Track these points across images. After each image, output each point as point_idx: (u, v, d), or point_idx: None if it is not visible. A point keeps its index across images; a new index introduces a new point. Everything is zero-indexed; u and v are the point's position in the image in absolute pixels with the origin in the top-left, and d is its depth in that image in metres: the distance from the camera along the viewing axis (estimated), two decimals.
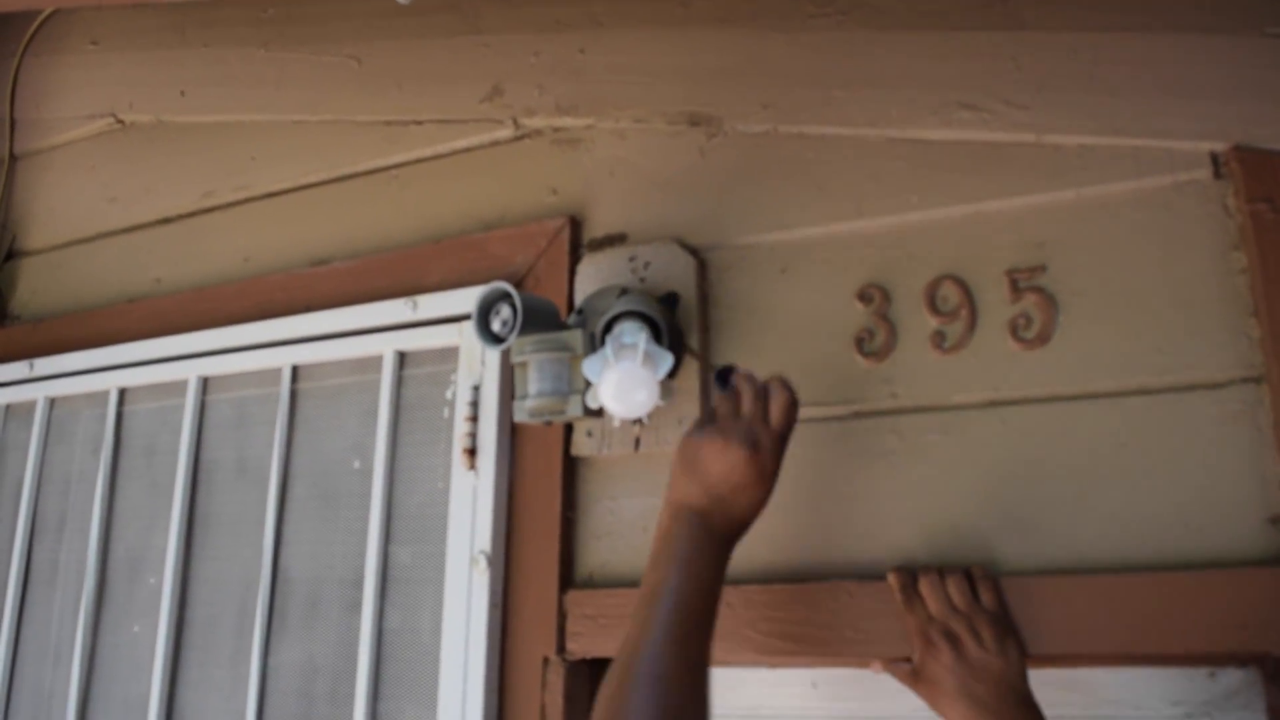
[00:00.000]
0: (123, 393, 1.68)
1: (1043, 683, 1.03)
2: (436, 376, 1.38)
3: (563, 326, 1.16)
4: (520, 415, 1.09)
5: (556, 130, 1.41)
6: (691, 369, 1.20)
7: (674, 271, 1.24)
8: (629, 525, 1.23)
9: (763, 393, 1.01)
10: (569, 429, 1.25)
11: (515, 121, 1.44)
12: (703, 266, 1.26)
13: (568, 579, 1.23)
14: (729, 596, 1.13)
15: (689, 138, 1.32)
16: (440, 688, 1.23)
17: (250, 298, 1.57)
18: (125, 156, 1.84)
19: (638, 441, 1.21)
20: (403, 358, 1.41)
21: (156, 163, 1.79)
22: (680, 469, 0.98)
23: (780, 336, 1.20)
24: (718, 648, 1.11)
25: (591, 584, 1.22)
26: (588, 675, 1.22)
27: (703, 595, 0.92)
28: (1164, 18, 1.12)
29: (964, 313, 1.12)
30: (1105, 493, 1.04)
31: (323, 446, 1.46)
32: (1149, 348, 1.05)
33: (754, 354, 1.21)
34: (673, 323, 1.19)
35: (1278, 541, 0.97)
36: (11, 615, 1.67)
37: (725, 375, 1.05)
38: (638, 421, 1.20)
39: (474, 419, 1.29)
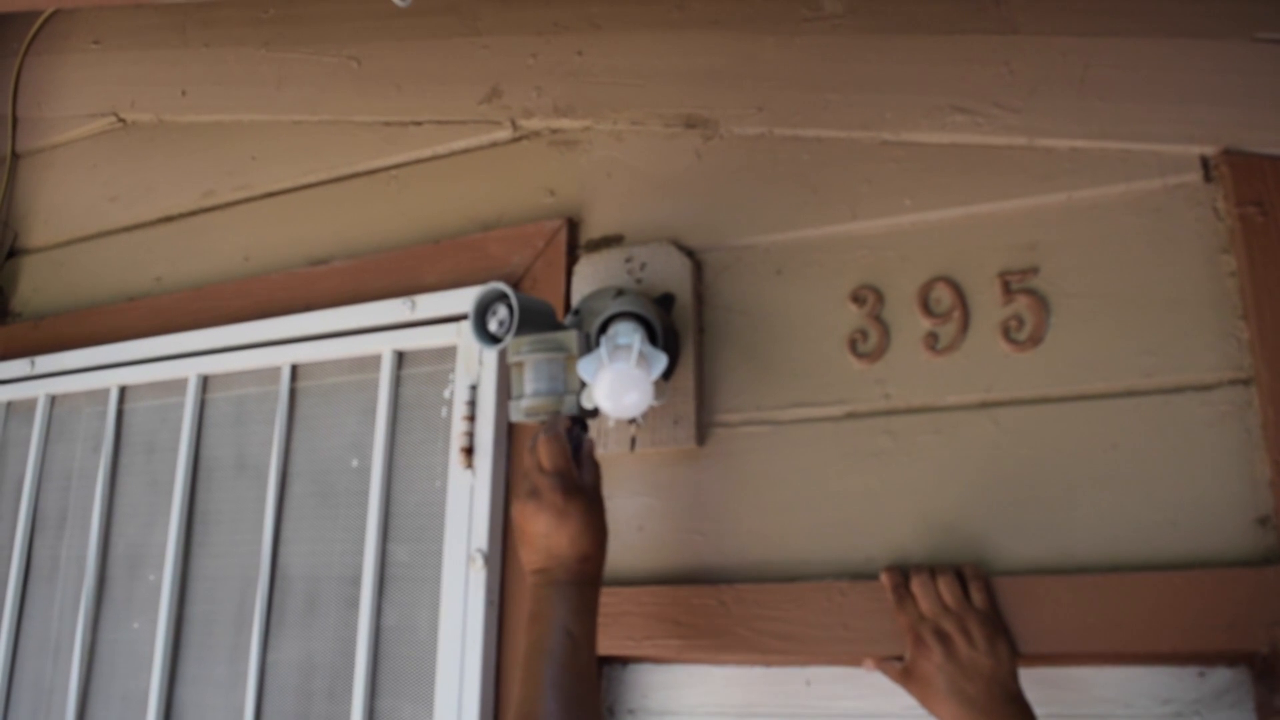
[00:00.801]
0: (123, 390, 1.69)
1: (1033, 681, 1.04)
2: (434, 376, 1.39)
3: (559, 327, 1.16)
4: (516, 415, 1.09)
5: (554, 132, 1.42)
6: (687, 369, 1.21)
7: (670, 273, 1.25)
8: (624, 524, 1.23)
9: (533, 443, 1.07)
10: None
11: (513, 123, 1.45)
12: (698, 268, 1.27)
13: None
14: (722, 595, 1.14)
15: (685, 140, 1.33)
16: (437, 685, 1.24)
17: (250, 297, 1.58)
18: (126, 155, 1.85)
19: (633, 441, 1.22)
20: (401, 357, 1.42)
21: (157, 162, 1.80)
22: (517, 541, 1.06)
23: (774, 337, 1.21)
24: (711, 645, 1.14)
25: None
26: None
27: (569, 643, 0.97)
28: (1154, 22, 1.13)
29: (956, 314, 1.13)
30: (1096, 493, 1.05)
31: (321, 445, 1.47)
32: (1139, 349, 1.06)
33: (748, 354, 1.22)
34: (668, 324, 1.20)
35: (1266, 542, 0.98)
36: (12, 611, 1.68)
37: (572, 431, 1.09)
38: (633, 421, 1.21)
39: (471, 418, 1.30)
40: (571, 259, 1.33)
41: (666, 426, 1.21)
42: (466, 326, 1.32)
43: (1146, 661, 1.06)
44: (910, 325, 1.15)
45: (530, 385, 1.09)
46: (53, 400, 1.77)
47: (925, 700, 1.00)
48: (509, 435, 1.30)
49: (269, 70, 1.69)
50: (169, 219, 1.77)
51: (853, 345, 1.17)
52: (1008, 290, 1.12)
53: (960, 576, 1.04)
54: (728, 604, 1.14)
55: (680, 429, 1.20)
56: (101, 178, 1.88)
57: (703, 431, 1.22)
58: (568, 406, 1.07)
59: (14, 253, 1.97)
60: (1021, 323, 1.11)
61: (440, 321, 1.38)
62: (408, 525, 1.35)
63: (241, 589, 1.47)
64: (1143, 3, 1.13)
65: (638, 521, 1.23)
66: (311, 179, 1.62)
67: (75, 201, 1.90)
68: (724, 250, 1.27)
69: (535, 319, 1.12)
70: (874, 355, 1.16)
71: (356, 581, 1.36)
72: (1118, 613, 0.99)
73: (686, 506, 1.21)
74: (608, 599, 1.18)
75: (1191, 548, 1.01)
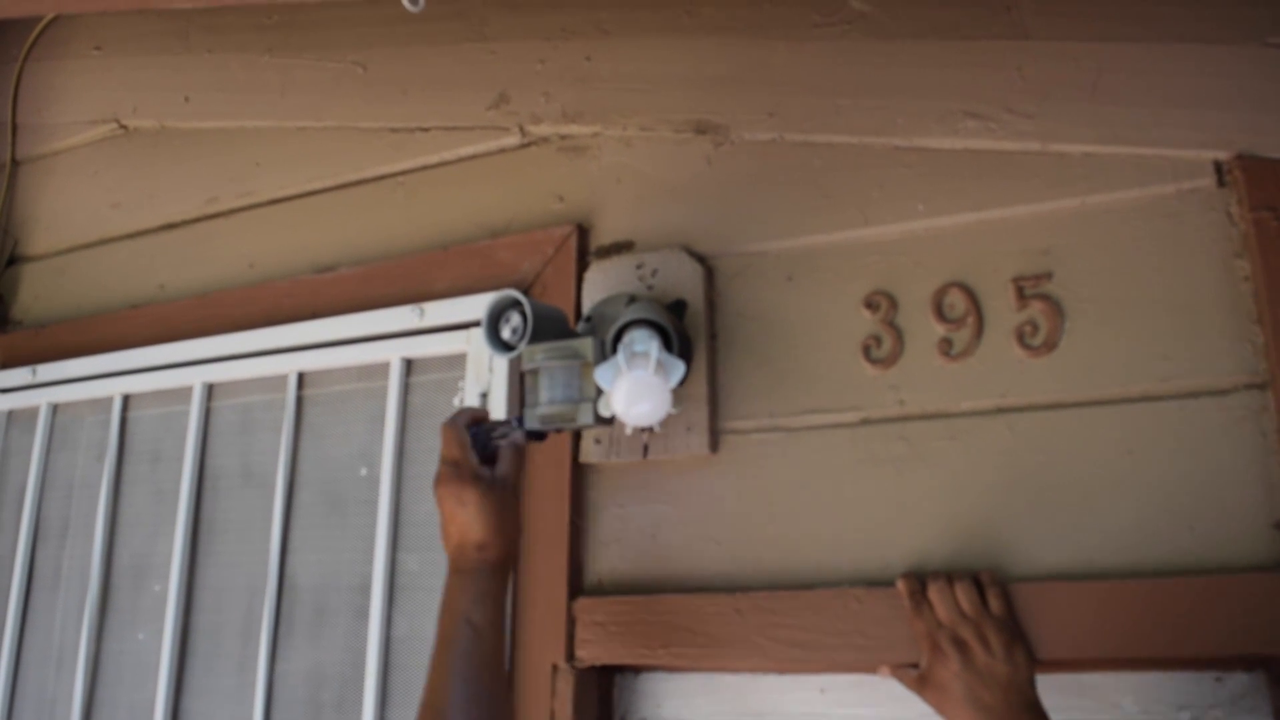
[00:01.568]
0: (127, 399, 1.68)
1: (1050, 687, 1.04)
2: (444, 383, 1.38)
3: (572, 334, 1.16)
4: (531, 423, 1.09)
5: (563, 138, 1.42)
6: (700, 376, 1.21)
7: (681, 279, 1.25)
8: (637, 532, 1.23)
9: None
10: (577, 436, 1.26)
11: (522, 129, 1.44)
12: (710, 274, 1.26)
13: (576, 586, 1.23)
14: (738, 603, 1.14)
15: (696, 146, 1.33)
16: None
17: (256, 304, 1.57)
18: (129, 162, 1.84)
19: (646, 449, 1.22)
20: (410, 364, 1.42)
21: (160, 168, 1.79)
22: None
23: (787, 343, 1.21)
24: (726, 654, 1.13)
25: (600, 591, 1.23)
26: (597, 683, 1.22)
27: (470, 632, 0.98)
28: (1167, 28, 1.13)
29: (971, 320, 1.13)
30: (1112, 499, 1.04)
31: (329, 453, 1.46)
32: (1154, 354, 1.06)
33: (761, 361, 1.22)
34: (681, 330, 1.19)
35: None
36: (14, 621, 1.67)
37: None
38: (647, 429, 1.21)
39: None
40: (582, 265, 1.33)
41: (679, 434, 1.20)
42: (477, 334, 1.32)
43: (1164, 667, 1.06)
44: (924, 331, 1.15)
45: (546, 393, 1.08)
46: (55, 409, 1.76)
47: (942, 708, 1.00)
48: None
49: (273, 76, 1.68)
50: (172, 226, 1.76)
51: (866, 351, 1.17)
52: (1022, 295, 1.12)
53: (977, 583, 1.04)
54: (743, 612, 1.13)
55: (693, 436, 1.20)
56: (103, 184, 1.87)
57: (716, 439, 1.21)
58: (584, 414, 1.06)
59: (14, 260, 1.96)
60: (1036, 328, 1.10)
61: (450, 329, 1.37)
62: (418, 534, 1.35)
63: (249, 599, 1.46)
64: (1154, 8, 1.13)
65: (651, 530, 1.22)
66: (317, 185, 1.61)
67: (77, 208, 1.89)
68: (736, 256, 1.26)
69: (549, 326, 1.12)
70: (888, 361, 1.16)
71: (366, 591, 1.35)
72: (1135, 618, 0.99)
73: (700, 514, 1.21)
74: (624, 608, 1.18)
75: (1208, 553, 1.00)
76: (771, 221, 1.25)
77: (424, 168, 1.52)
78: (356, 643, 1.35)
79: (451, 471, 1.03)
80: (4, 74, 2.03)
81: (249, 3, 1.62)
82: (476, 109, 1.48)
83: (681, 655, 1.15)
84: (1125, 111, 1.12)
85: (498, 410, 1.29)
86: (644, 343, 1.05)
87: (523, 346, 1.10)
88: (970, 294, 1.14)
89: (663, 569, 1.21)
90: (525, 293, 1.29)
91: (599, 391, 1.07)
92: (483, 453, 1.06)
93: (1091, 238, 1.11)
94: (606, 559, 1.24)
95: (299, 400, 1.50)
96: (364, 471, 1.42)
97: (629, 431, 1.17)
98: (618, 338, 1.13)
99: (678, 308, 1.23)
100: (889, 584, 1.08)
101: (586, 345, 1.08)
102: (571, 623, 1.21)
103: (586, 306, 1.28)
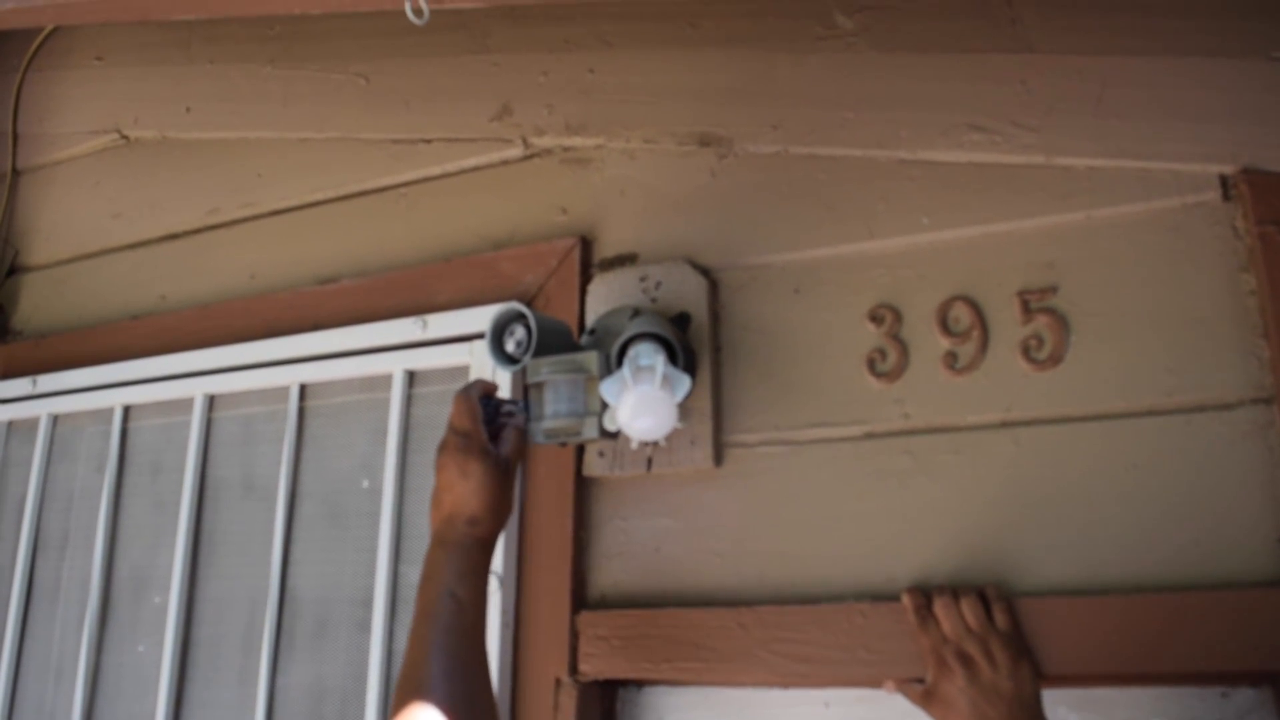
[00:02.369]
0: (127, 410, 1.68)
1: (1056, 702, 1.04)
2: (446, 396, 1.37)
3: (576, 347, 1.16)
4: (536, 437, 1.08)
5: (566, 150, 1.42)
6: (704, 389, 1.21)
7: (685, 292, 1.25)
8: (641, 545, 1.23)
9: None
10: (581, 449, 1.25)
11: (524, 140, 1.44)
12: (714, 287, 1.26)
13: (580, 599, 1.23)
14: (742, 618, 1.13)
15: (699, 158, 1.32)
16: None
17: (257, 315, 1.56)
18: (130, 172, 1.84)
19: (650, 462, 1.21)
20: (412, 377, 1.41)
21: (162, 179, 1.79)
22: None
23: (792, 357, 1.21)
24: (730, 668, 1.13)
25: (604, 604, 1.22)
26: (600, 697, 1.22)
27: (454, 605, 0.96)
28: (1171, 42, 1.13)
29: (976, 333, 1.13)
30: (1117, 513, 1.04)
31: (331, 465, 1.46)
32: (1160, 369, 1.06)
33: (765, 374, 1.22)
34: (685, 343, 1.19)
35: None
36: (14, 633, 1.66)
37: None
38: (652, 443, 1.20)
39: None
40: (585, 278, 1.32)
41: (683, 447, 1.20)
42: (479, 346, 1.32)
43: (1170, 682, 1.05)
44: (929, 344, 1.15)
45: (550, 407, 1.08)
46: (55, 420, 1.76)
47: None
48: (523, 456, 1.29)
49: (275, 87, 1.68)
50: (173, 237, 1.75)
51: (871, 365, 1.17)
52: (1027, 309, 1.12)
53: (983, 598, 1.04)
54: (747, 626, 1.13)
55: (697, 449, 1.19)
56: (104, 195, 1.86)
57: (720, 452, 1.21)
58: (589, 428, 1.06)
59: (14, 270, 1.95)
60: (1041, 342, 1.10)
61: (452, 341, 1.37)
62: (420, 547, 1.34)
63: (250, 611, 1.46)
64: (1159, 22, 1.14)
65: (655, 543, 1.22)
66: (319, 197, 1.61)
67: (77, 219, 1.89)
68: (740, 269, 1.26)
69: (553, 339, 1.12)
70: (893, 375, 1.16)
71: (368, 604, 1.35)
72: (1141, 633, 0.99)
73: (704, 528, 1.20)
74: (628, 622, 1.18)
75: (1214, 568, 1.00)
76: (776, 234, 1.25)
77: (426, 179, 1.52)
78: (358, 656, 1.34)
79: (461, 442, 1.03)
80: (5, 84, 2.03)
81: (251, 13, 1.62)
82: (479, 120, 1.47)
83: (685, 669, 1.15)
84: (1130, 125, 1.12)
85: None
86: (649, 357, 1.05)
87: (527, 360, 1.10)
88: (975, 307, 1.14)
89: (666, 583, 1.21)
90: (528, 305, 1.29)
91: (604, 405, 1.06)
92: (488, 428, 1.06)
93: (1096, 251, 1.11)
94: (610, 572, 1.24)
95: (301, 412, 1.50)
96: (366, 484, 1.41)
97: (634, 445, 1.16)
98: (623, 351, 1.13)
99: (682, 321, 1.23)
100: (894, 598, 1.08)
101: (591, 359, 1.07)
102: (574, 636, 1.20)
103: (590, 319, 1.28)
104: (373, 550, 1.36)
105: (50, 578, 1.68)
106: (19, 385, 1.77)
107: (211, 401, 1.60)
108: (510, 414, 1.09)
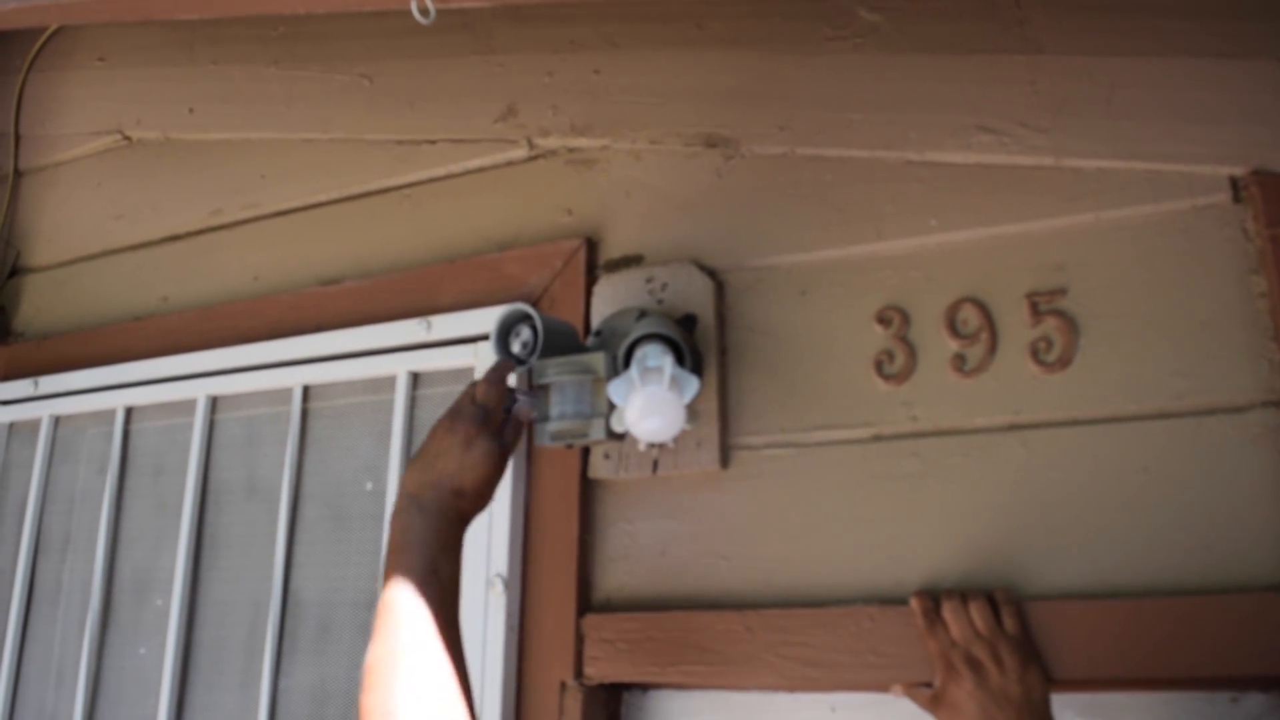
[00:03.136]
0: (129, 411, 1.67)
1: (1065, 706, 1.03)
2: (450, 397, 1.35)
3: (582, 348, 1.15)
4: (543, 439, 1.08)
5: (571, 151, 1.41)
6: (710, 391, 1.20)
7: (692, 293, 1.24)
8: (646, 548, 1.22)
9: (473, 382, 1.07)
10: (586, 451, 1.25)
11: (529, 142, 1.44)
12: (720, 288, 1.25)
13: (585, 602, 1.22)
14: (748, 621, 1.12)
15: (705, 159, 1.32)
16: None
17: (260, 317, 1.56)
18: (132, 173, 1.83)
19: (655, 464, 1.21)
20: (416, 378, 1.41)
21: (164, 180, 1.79)
22: (412, 461, 1.01)
23: (799, 358, 1.20)
24: (736, 672, 1.12)
25: (609, 608, 1.22)
26: (605, 701, 1.21)
27: (435, 584, 0.91)
28: (1181, 43, 1.13)
29: (984, 335, 1.12)
30: (1127, 516, 1.03)
31: (334, 467, 1.45)
32: (1170, 371, 1.05)
33: (772, 376, 1.21)
34: (692, 345, 1.18)
35: None
36: (14, 636, 1.66)
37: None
38: (658, 445, 1.20)
39: None
40: (590, 279, 1.32)
41: (689, 449, 1.19)
42: (484, 347, 1.31)
43: (1180, 687, 1.04)
44: (937, 346, 1.14)
45: (557, 408, 1.07)
46: (56, 421, 1.75)
47: None
48: (528, 458, 1.28)
49: (278, 88, 1.68)
50: (176, 238, 1.75)
51: (879, 367, 1.16)
52: (1036, 311, 1.11)
53: (992, 601, 1.03)
54: (754, 629, 1.12)
55: (703, 452, 1.19)
56: (106, 196, 1.86)
57: (726, 454, 1.20)
58: (596, 430, 1.05)
59: (16, 272, 1.94)
60: (1050, 344, 1.10)
61: (457, 342, 1.36)
62: None
63: (252, 614, 1.45)
64: (1168, 23, 1.13)
65: (660, 546, 1.21)
66: (322, 198, 1.61)
67: (79, 220, 1.88)
68: (746, 271, 1.26)
69: (559, 340, 1.11)
70: (900, 377, 1.15)
71: (371, 607, 1.34)
72: (1151, 638, 0.98)
73: (710, 530, 1.19)
74: (633, 625, 1.17)
75: (1225, 571, 0.99)
76: (783, 236, 1.25)
77: (430, 180, 1.52)
78: (361, 659, 1.33)
79: (478, 413, 1.01)
80: (7, 85, 2.02)
81: (255, 12, 1.61)
82: (484, 121, 1.47)
83: (691, 673, 1.14)
84: (1140, 126, 1.12)
85: None
86: (657, 357, 1.04)
87: (533, 361, 1.09)
88: (984, 309, 1.13)
89: (672, 586, 1.20)
90: (534, 306, 1.28)
91: (611, 406, 1.06)
92: None
93: (1106, 253, 1.10)
94: (615, 575, 1.23)
95: (304, 414, 1.49)
96: (370, 486, 1.41)
97: (642, 447, 1.16)
98: (629, 353, 1.12)
99: (688, 322, 1.22)
100: (902, 602, 1.07)
101: (598, 360, 1.07)
102: (580, 640, 1.19)
103: (595, 321, 1.27)
104: (376, 553, 1.36)
105: (51, 580, 1.67)
106: (20, 387, 1.77)
107: (214, 403, 1.59)
108: (510, 403, 1.07)
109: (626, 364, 1.10)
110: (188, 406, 1.60)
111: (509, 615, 1.22)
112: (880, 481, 1.14)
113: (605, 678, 1.18)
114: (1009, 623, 1.01)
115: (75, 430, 1.73)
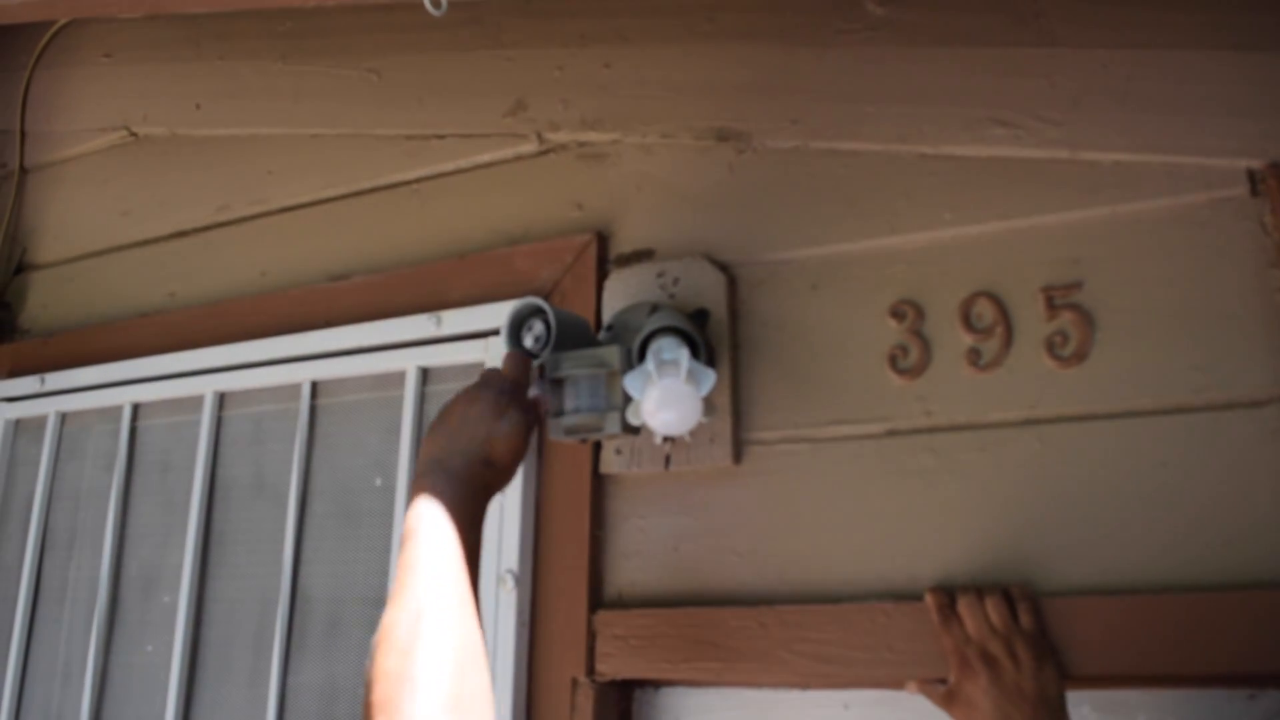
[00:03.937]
0: (136, 408, 1.66)
1: (1080, 703, 1.02)
2: None
3: (595, 343, 1.14)
4: (557, 434, 1.07)
5: (582, 145, 1.40)
6: (723, 386, 1.19)
7: (704, 287, 1.23)
8: (659, 544, 1.21)
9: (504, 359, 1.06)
10: (598, 446, 1.24)
11: (539, 136, 1.43)
12: (733, 283, 1.25)
13: (597, 599, 1.21)
14: (762, 617, 1.12)
15: (717, 153, 1.31)
16: None
17: (268, 313, 1.55)
18: (139, 169, 1.83)
19: (668, 459, 1.20)
20: (426, 374, 1.40)
21: (171, 176, 1.78)
22: (432, 429, 0.98)
23: (812, 353, 1.20)
24: (749, 668, 1.11)
25: (621, 604, 1.21)
26: (618, 697, 1.20)
27: (452, 534, 0.86)
28: (1197, 35, 1.12)
29: (999, 330, 1.12)
30: (1144, 512, 1.03)
31: (343, 463, 1.44)
32: (1187, 366, 1.04)
33: (785, 371, 1.20)
34: (705, 339, 1.18)
35: None
36: (21, 633, 1.65)
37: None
38: (671, 439, 1.19)
39: None
40: (602, 274, 1.31)
41: (702, 445, 1.19)
42: (495, 342, 1.31)
43: (1197, 684, 1.04)
44: (952, 341, 1.14)
45: (571, 402, 1.07)
46: (63, 418, 1.75)
47: None
48: (539, 453, 1.28)
49: (286, 83, 1.67)
50: (182, 234, 1.74)
51: (893, 361, 1.15)
52: (1051, 305, 1.10)
53: (1008, 597, 1.02)
54: (767, 626, 1.11)
55: (716, 447, 1.18)
56: (113, 192, 1.85)
57: (739, 450, 1.19)
58: (611, 423, 1.05)
59: (23, 268, 1.94)
60: (1066, 338, 1.09)
61: (467, 338, 1.36)
62: None
63: (260, 611, 1.44)
64: (1184, 15, 1.12)
65: (673, 542, 1.21)
66: (330, 193, 1.60)
67: (86, 216, 1.88)
68: (759, 265, 1.25)
69: (572, 334, 1.10)
70: (915, 371, 1.14)
71: (380, 603, 1.32)
72: (1168, 634, 0.97)
73: (723, 526, 1.19)
74: (645, 621, 1.16)
75: (1242, 567, 0.98)
76: (796, 230, 1.24)
77: (440, 175, 1.51)
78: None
79: (509, 386, 1.00)
80: (13, 81, 2.02)
81: (262, 8, 1.61)
82: (493, 116, 1.46)
83: (703, 669, 1.13)
84: (1156, 119, 1.11)
85: None
86: (673, 350, 1.04)
87: (545, 355, 1.08)
88: (999, 303, 1.12)
89: (684, 582, 1.19)
90: (545, 301, 1.27)
91: (626, 400, 1.05)
92: None
93: (1122, 247, 1.09)
94: (627, 571, 1.22)
95: (312, 410, 1.48)
96: (379, 482, 1.40)
97: (657, 440, 1.15)
98: (644, 346, 1.11)
99: (700, 317, 1.21)
100: (917, 598, 1.06)
101: (612, 353, 1.06)
102: (592, 636, 1.19)
103: (607, 315, 1.27)
104: (385, 549, 1.35)
105: (58, 577, 1.67)
106: (27, 383, 1.76)
107: (222, 399, 1.58)
108: (538, 395, 1.07)
109: (641, 358, 1.09)
110: (195, 403, 1.59)
111: (520, 611, 1.21)
112: (895, 477, 1.13)
113: (617, 674, 1.17)
114: (1024, 619, 1.01)
115: (82, 427, 1.73)
